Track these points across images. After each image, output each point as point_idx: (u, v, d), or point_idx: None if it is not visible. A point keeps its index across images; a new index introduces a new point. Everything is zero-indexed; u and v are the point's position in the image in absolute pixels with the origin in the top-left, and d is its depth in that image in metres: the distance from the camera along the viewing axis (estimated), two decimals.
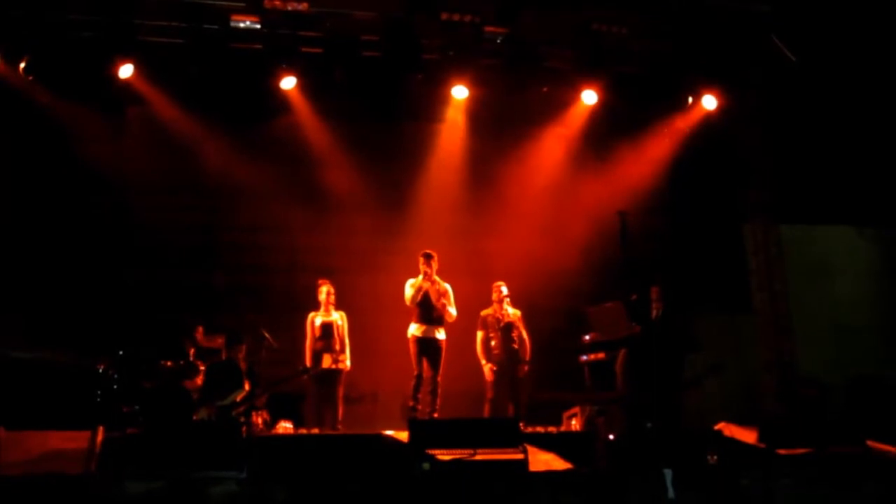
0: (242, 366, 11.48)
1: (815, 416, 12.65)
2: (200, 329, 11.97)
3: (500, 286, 12.15)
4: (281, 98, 13.28)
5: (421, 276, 11.69)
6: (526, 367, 12.03)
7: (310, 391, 11.90)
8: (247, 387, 11.13)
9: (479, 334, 12.08)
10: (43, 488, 8.48)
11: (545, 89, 13.44)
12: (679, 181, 14.17)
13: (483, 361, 11.98)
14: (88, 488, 8.62)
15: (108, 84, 12.64)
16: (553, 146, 14.34)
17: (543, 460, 9.44)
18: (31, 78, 12.32)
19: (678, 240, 14.18)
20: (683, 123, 14.00)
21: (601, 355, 11.74)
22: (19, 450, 9.10)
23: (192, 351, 11.73)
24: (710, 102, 13.59)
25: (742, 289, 14.14)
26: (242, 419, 10.30)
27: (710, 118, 13.81)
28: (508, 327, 11.98)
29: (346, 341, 11.93)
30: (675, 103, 13.76)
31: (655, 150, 14.21)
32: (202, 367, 11.43)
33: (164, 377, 11.29)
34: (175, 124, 13.27)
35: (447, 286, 11.83)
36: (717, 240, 14.27)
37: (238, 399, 10.80)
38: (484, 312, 12.16)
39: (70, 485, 8.58)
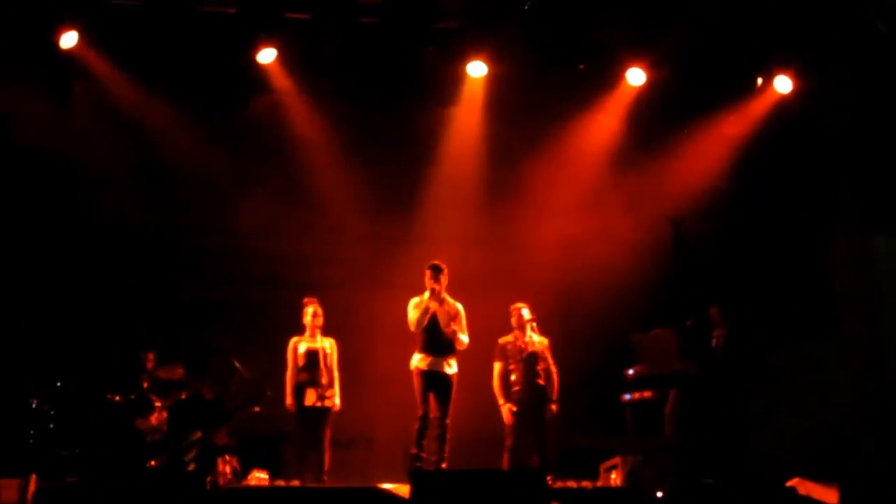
0: (209, 398, 11.47)
1: None
2: (151, 356, 11.93)
3: (520, 309, 12.14)
4: (259, 75, 13.26)
5: (427, 294, 11.60)
6: (554, 408, 11.98)
7: (290, 433, 11.87)
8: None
9: (497, 366, 12.04)
10: None
11: (581, 66, 13.45)
12: (746, 181, 14.11)
13: (501, 401, 11.94)
14: None
15: (49, 55, 12.64)
16: (591, 136, 14.29)
17: None
18: None
19: (745, 252, 14.11)
20: (752, 110, 13.92)
21: (648, 394, 11.75)
22: None
23: (145, 384, 11.71)
24: (784, 85, 13.54)
25: (825, 311, 14.03)
26: (192, 466, 10.31)
27: (784, 104, 13.75)
28: (532, 359, 11.94)
29: (336, 374, 11.92)
30: (742, 85, 13.73)
31: (716, 142, 14.15)
32: (157, 403, 11.40)
33: (111, 415, 11.27)
34: (130, 105, 13.29)
35: (459, 307, 11.76)
36: (793, 252, 14.15)
37: (194, 438, 10.77)
38: (502, 340, 12.13)
39: None
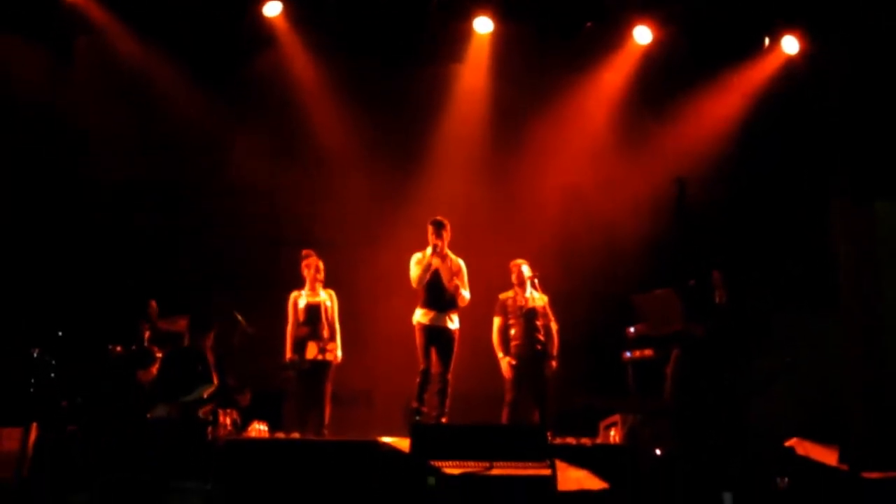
0: (210, 355, 11.48)
1: None
2: (153, 304, 11.89)
3: (520, 265, 12.15)
4: (263, 29, 13.27)
5: (430, 250, 11.60)
6: (554, 364, 12.01)
7: (290, 387, 11.92)
8: (216, 381, 11.13)
9: (497, 321, 12.08)
10: None
11: (588, 24, 13.40)
12: (751, 143, 14.09)
13: (500, 354, 11.99)
14: (19, 498, 8.65)
15: (50, 8, 12.62)
16: (597, 96, 14.32)
17: (575, 478, 9.39)
18: None
19: (748, 215, 14.09)
20: (758, 71, 13.91)
21: (648, 353, 11.73)
22: None
23: (146, 335, 11.74)
24: (791, 45, 13.53)
25: (825, 278, 14.05)
26: (210, 419, 10.33)
27: (791, 66, 13.74)
28: (532, 314, 11.96)
29: (337, 327, 11.91)
30: (749, 45, 13.70)
31: (722, 103, 14.15)
32: (159, 355, 11.46)
33: (112, 365, 11.31)
34: (132, 60, 13.31)
35: (461, 262, 11.78)
36: (795, 217, 14.15)
37: (206, 395, 10.79)
38: (503, 296, 12.15)
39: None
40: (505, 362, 11.92)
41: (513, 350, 11.93)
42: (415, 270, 11.63)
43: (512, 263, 12.19)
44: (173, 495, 8.62)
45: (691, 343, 11.36)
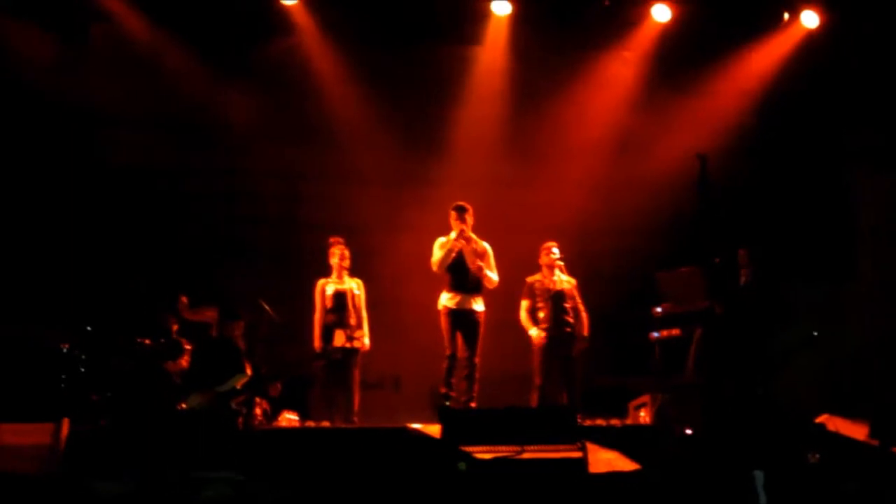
0: (241, 345, 11.54)
1: None
2: (184, 299, 11.95)
3: (549, 247, 12.12)
4: (279, 14, 13.36)
5: (453, 234, 11.65)
6: (583, 346, 12.04)
7: (319, 375, 11.93)
8: (248, 371, 11.19)
9: (524, 304, 12.08)
10: None
11: (606, 2, 13.41)
12: (772, 118, 14.12)
13: (528, 326, 11.97)
14: (51, 491, 8.71)
15: None
16: (616, 74, 14.33)
17: (605, 459, 9.41)
18: None
19: (770, 190, 14.10)
20: (778, 46, 13.88)
21: (676, 332, 11.73)
22: None
23: (174, 327, 11.78)
24: (811, 19, 13.50)
25: (847, 250, 14.06)
26: (244, 410, 10.39)
27: (811, 40, 13.69)
28: (560, 297, 11.96)
29: (364, 314, 11.93)
30: (768, 20, 13.69)
31: (743, 78, 14.15)
32: (187, 347, 11.51)
33: (141, 358, 11.35)
34: (147, 46, 13.36)
35: (486, 246, 11.81)
36: (817, 190, 14.16)
37: (239, 386, 10.84)
38: (530, 279, 12.14)
39: (30, 487, 8.67)
40: (535, 332, 11.92)
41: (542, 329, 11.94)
42: (437, 254, 11.67)
43: (543, 246, 12.13)
44: (205, 486, 8.63)
45: (715, 321, 11.35)
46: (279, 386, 11.26)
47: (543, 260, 12.11)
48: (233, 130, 13.75)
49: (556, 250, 12.07)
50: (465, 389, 11.58)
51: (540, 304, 11.97)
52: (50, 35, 13.08)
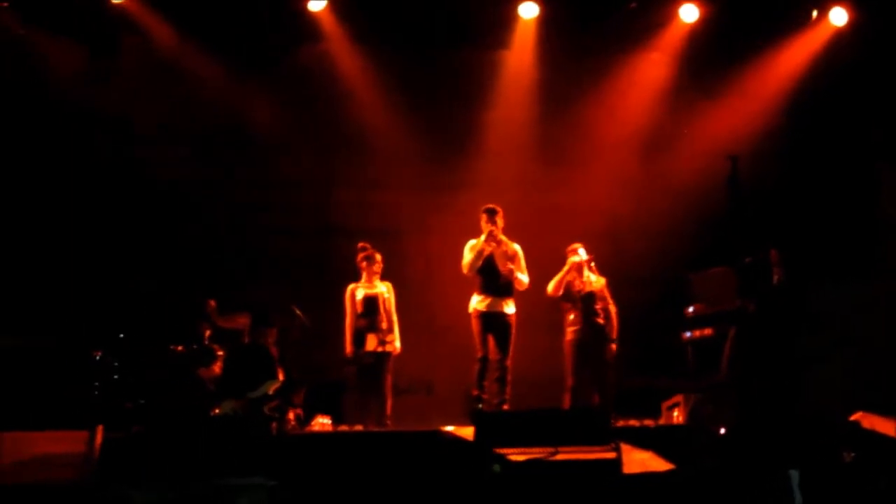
0: (273, 351, 11.56)
1: None
2: (212, 303, 11.97)
3: (577, 249, 12.11)
4: (307, 23, 13.39)
5: (483, 237, 11.64)
6: (614, 347, 12.01)
7: (351, 380, 11.95)
8: (281, 377, 11.21)
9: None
10: (33, 500, 8.62)
11: (633, 4, 13.38)
12: (803, 118, 14.04)
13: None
14: (86, 498, 8.74)
15: (97, 10, 12.75)
16: (644, 75, 14.29)
17: (639, 460, 9.39)
18: (4, 4, 12.48)
19: (801, 190, 14.02)
20: (807, 45, 13.82)
21: (708, 332, 11.73)
22: (2, 455, 9.25)
23: (207, 333, 11.83)
24: (839, 17, 13.43)
25: (877, 248, 13.98)
26: (276, 415, 10.41)
27: (840, 38, 13.63)
28: (590, 298, 11.94)
29: (395, 318, 11.91)
30: (797, 19, 13.63)
31: (772, 79, 14.07)
32: (220, 353, 11.56)
33: (174, 365, 11.41)
34: (178, 58, 13.44)
35: (517, 248, 11.79)
36: (848, 189, 14.07)
37: (271, 391, 10.86)
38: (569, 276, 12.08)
39: (64, 495, 8.71)
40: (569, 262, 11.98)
41: (571, 335, 11.90)
42: (467, 256, 11.66)
43: (569, 248, 12.12)
44: (240, 493, 8.65)
45: (748, 320, 11.32)
46: (303, 392, 11.27)
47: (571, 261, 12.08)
48: (262, 139, 13.76)
49: (582, 251, 12.05)
50: (497, 392, 11.54)
51: (569, 306, 11.95)
52: (81, 47, 13.15)
